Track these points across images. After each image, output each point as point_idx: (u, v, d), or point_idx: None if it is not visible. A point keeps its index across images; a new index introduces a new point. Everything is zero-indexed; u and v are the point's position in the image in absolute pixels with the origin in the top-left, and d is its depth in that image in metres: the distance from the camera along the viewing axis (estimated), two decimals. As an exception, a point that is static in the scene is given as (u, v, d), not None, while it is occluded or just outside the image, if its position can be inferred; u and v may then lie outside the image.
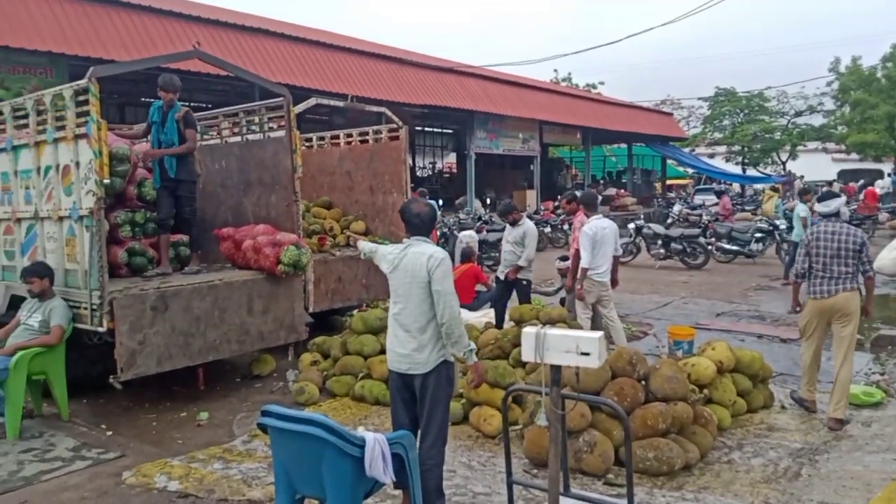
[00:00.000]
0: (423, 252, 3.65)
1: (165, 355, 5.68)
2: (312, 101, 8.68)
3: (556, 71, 43.49)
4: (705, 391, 5.18)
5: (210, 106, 14.77)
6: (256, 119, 7.64)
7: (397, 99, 17.31)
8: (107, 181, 5.51)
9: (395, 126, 8.96)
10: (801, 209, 11.60)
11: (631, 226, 16.27)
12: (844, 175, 42.23)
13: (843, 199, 6.24)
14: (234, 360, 7.19)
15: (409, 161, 27.06)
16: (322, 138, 9.92)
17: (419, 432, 3.68)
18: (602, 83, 43.92)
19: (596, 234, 6.92)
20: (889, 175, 37.46)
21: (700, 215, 20.27)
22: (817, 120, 42.90)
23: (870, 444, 4.93)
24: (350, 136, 9.53)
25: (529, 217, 19.62)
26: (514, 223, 7.85)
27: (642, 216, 21.17)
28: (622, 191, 29.24)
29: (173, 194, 6.49)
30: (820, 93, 41.09)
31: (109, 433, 5.45)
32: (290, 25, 18.23)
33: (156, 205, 6.57)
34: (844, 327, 5.47)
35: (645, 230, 15.62)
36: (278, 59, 15.02)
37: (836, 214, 5.65)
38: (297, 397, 6.12)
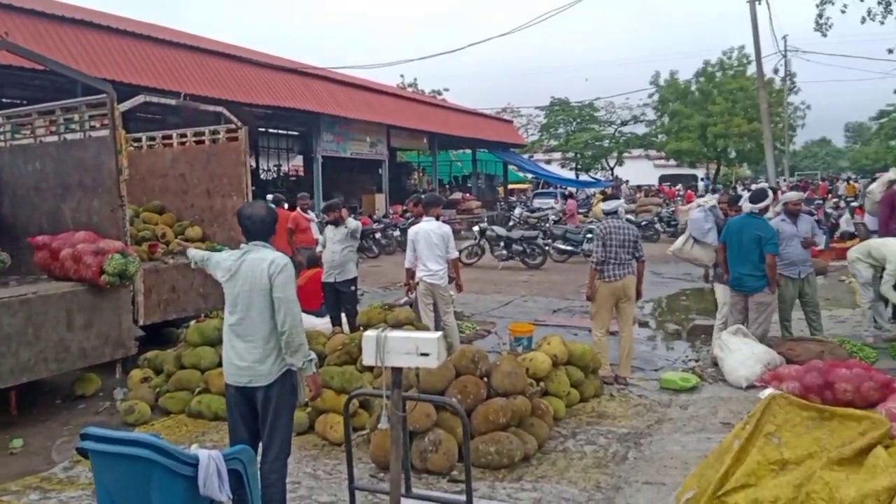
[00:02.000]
0: (262, 258, 3.50)
1: (-33, 379, 5.06)
2: (140, 99, 8.11)
3: (402, 76, 43.89)
4: (542, 384, 5.44)
5: (25, 102, 13.40)
6: (76, 117, 7.01)
7: (237, 98, 16.63)
8: None
9: (233, 126, 8.60)
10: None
11: (475, 228, 16.78)
12: (665, 179, 46.31)
13: (622, 200, 8.06)
14: (55, 381, 6.54)
15: (252, 163, 26.12)
16: (153, 138, 9.28)
17: (261, 446, 3.53)
18: (447, 90, 44.99)
19: (416, 234, 7.09)
20: (702, 179, 41.60)
21: (539, 218, 21.35)
22: (641, 129, 46.76)
23: (687, 425, 5.42)
24: (184, 136, 9.01)
25: (378, 221, 19.79)
26: (335, 223, 7.80)
27: (486, 219, 21.89)
28: (468, 195, 30.12)
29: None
30: (643, 104, 44.85)
31: None
32: (116, 18, 16.93)
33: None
34: (627, 304, 6.71)
35: (489, 232, 16.17)
36: (102, 53, 13.88)
37: (616, 213, 6.82)
38: (126, 417, 5.68)
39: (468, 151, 34.77)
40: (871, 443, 3.16)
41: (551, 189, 35.20)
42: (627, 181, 38.64)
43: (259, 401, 3.51)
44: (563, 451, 4.91)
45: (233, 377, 3.58)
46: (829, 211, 18.63)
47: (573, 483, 4.36)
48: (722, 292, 7.36)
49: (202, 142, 8.83)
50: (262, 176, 28.11)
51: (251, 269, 3.51)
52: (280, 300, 3.43)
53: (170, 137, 9.12)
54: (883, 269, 7.43)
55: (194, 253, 4.09)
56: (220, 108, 9.13)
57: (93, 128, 6.90)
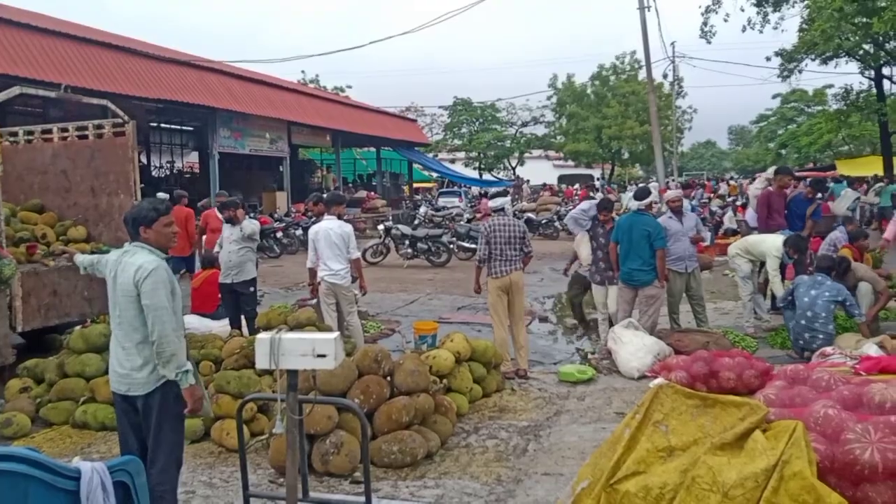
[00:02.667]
0: (132, 263, 3.33)
1: None
2: (16, 90, 7.52)
3: (303, 72, 43.12)
4: (445, 381, 5.47)
5: None
6: (-61, 107, 6.43)
7: (125, 91, 15.80)
8: None
9: (120, 120, 8.13)
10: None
11: (380, 227, 16.71)
12: (564, 179, 47.74)
13: (509, 198, 8.31)
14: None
15: (143, 159, 24.89)
16: (31, 132, 8.63)
17: (148, 457, 3.36)
18: (350, 87, 44.56)
19: (317, 233, 7.01)
20: (598, 179, 43.19)
21: (444, 217, 21.52)
22: (541, 130, 48.09)
23: (584, 416, 5.60)
24: (66, 130, 8.42)
25: (279, 220, 19.30)
26: (231, 221, 7.59)
27: (391, 218, 21.85)
28: (372, 193, 29.94)
29: None
30: (542, 105, 46.15)
31: None
32: (-11, 1, 15.69)
33: None
34: (517, 298, 6.91)
35: (394, 231, 16.13)
36: (-28, 38, 12.84)
37: (503, 209, 7.11)
38: (2, 430, 5.27)
39: (373, 149, 34.61)
40: (750, 428, 3.36)
41: (456, 188, 35.56)
42: (529, 181, 39.60)
43: (140, 409, 3.35)
44: (465, 447, 4.96)
45: (115, 384, 3.44)
46: (714, 209, 19.80)
47: (475, 478, 4.41)
48: (598, 293, 7.73)
49: (86, 136, 8.29)
50: (153, 173, 26.83)
51: (124, 272, 3.35)
52: (147, 308, 3.26)
53: (50, 132, 8.51)
54: (762, 263, 7.98)
55: (81, 259, 3.85)
56: (104, 102, 8.60)
57: (-41, 120, 6.36)
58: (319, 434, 4.57)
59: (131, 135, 8.04)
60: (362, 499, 2.82)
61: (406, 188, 37.55)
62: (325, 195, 8.04)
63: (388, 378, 5.04)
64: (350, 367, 4.95)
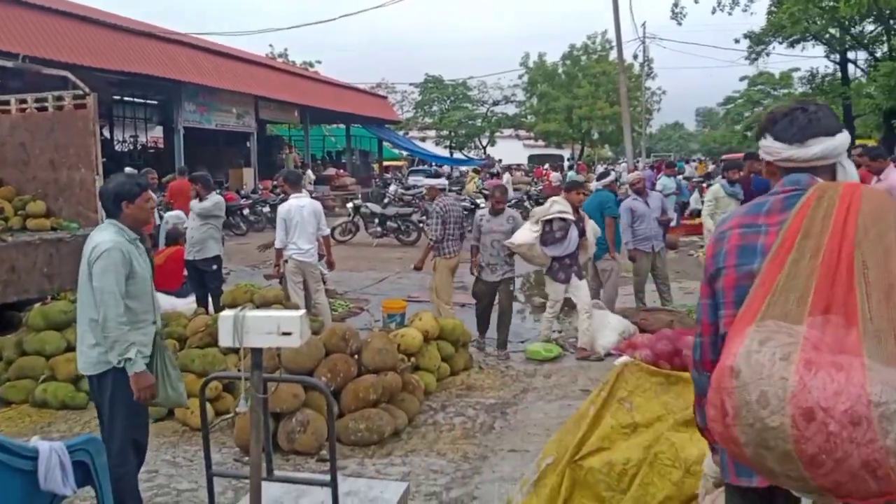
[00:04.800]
0: (91, 239, 3.27)
1: None
2: (-31, 59, 7.26)
3: (271, 46, 42.21)
4: (413, 359, 5.48)
5: None
6: None
7: (87, 63, 15.32)
8: None
9: (81, 92, 7.89)
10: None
11: (349, 205, 16.58)
12: (534, 159, 47.85)
13: (445, 179, 8.59)
14: None
15: (105, 133, 24.26)
16: (-14, 103, 8.35)
17: (104, 436, 3.31)
18: (319, 62, 43.81)
19: (289, 212, 6.91)
20: (568, 160, 43.36)
21: (414, 195, 21.39)
22: (511, 109, 47.94)
23: (550, 393, 5.67)
24: (24, 101, 8.16)
25: (246, 196, 19.01)
26: (198, 196, 7.48)
27: (361, 196, 21.68)
28: (342, 171, 29.65)
29: None
30: (513, 85, 45.95)
31: None
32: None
33: None
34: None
35: (363, 209, 16.02)
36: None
37: (443, 190, 7.57)
38: (-42, 410, 5.16)
39: (342, 126, 34.19)
40: (710, 403, 3.43)
41: (426, 167, 35.39)
42: (500, 160, 39.58)
43: (94, 389, 3.32)
44: (433, 425, 4.99)
45: (79, 362, 3.39)
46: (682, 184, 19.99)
47: (442, 455, 4.44)
48: (551, 287, 7.50)
49: (45, 108, 8.03)
50: (116, 147, 26.18)
51: (84, 249, 3.29)
52: (95, 290, 3.20)
53: (7, 103, 8.24)
54: None
55: None
56: (65, 73, 8.34)
57: None
58: (286, 412, 4.55)
59: (92, 107, 7.81)
60: (328, 477, 2.81)
61: (376, 166, 37.25)
62: (287, 174, 7.94)
63: (356, 356, 5.03)
64: (317, 346, 4.92)
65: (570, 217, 6.49)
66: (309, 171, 23.79)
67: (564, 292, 6.73)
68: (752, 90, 43.70)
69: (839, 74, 25.72)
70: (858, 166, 8.88)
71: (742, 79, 42.67)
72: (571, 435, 3.45)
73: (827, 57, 26.01)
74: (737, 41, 26.43)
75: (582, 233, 6.69)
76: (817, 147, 1.84)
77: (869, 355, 1.48)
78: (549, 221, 6.45)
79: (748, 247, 1.80)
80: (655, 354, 5.75)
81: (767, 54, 26.23)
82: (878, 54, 23.34)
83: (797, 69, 36.70)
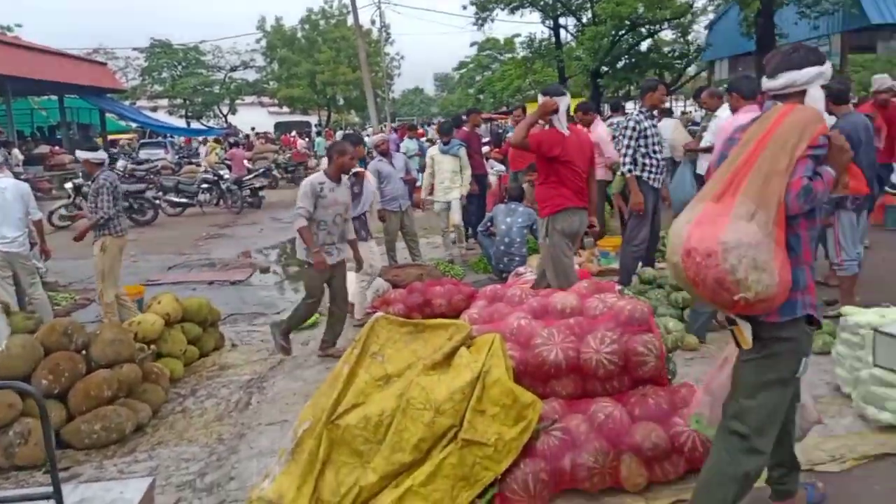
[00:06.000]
0: None
1: None
2: None
3: (-49, 5, 35.34)
4: (153, 346, 5.03)
5: None
6: None
7: None
8: None
9: None
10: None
11: (69, 185, 14.67)
12: (280, 126, 46.48)
13: (103, 152, 6.96)
14: None
15: None
16: None
17: None
18: (20, 26, 37.68)
19: None
20: (315, 126, 42.86)
21: (147, 170, 19.59)
22: (252, 75, 45.90)
23: (307, 360, 5.57)
24: None
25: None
26: None
27: (81, 174, 19.31)
28: (57, 148, 26.07)
29: None
30: (251, 49, 43.93)
31: None
32: None
33: None
34: None
35: (85, 189, 14.26)
36: None
37: (102, 164, 6.48)
38: None
39: (54, 98, 29.96)
40: (456, 346, 3.59)
41: (160, 139, 32.59)
42: (254, 129, 37.72)
43: None
44: (182, 412, 4.63)
45: None
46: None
47: (193, 441, 4.15)
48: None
49: None
50: None
51: None
52: None
53: None
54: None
55: None
56: None
57: None
58: (1, 425, 3.92)
59: None
60: (50, 489, 2.44)
61: (100, 140, 33.35)
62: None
63: (83, 352, 4.49)
64: (33, 346, 4.30)
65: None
66: (15, 151, 20.54)
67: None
68: (481, 55, 46.57)
69: (553, 39, 28.44)
70: (574, 122, 10.00)
71: (472, 45, 45.29)
72: (326, 397, 3.41)
73: (542, 23, 28.58)
74: (464, 7, 27.88)
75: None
76: (782, 79, 2.50)
77: (736, 217, 2.29)
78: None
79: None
80: (408, 307, 5.97)
81: (493, 20, 28.04)
82: (584, 20, 26.20)
83: (518, 35, 39.89)
